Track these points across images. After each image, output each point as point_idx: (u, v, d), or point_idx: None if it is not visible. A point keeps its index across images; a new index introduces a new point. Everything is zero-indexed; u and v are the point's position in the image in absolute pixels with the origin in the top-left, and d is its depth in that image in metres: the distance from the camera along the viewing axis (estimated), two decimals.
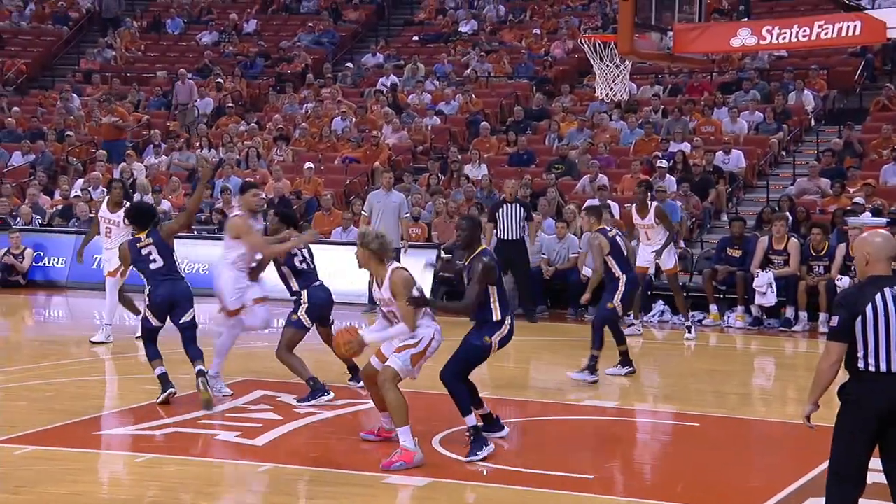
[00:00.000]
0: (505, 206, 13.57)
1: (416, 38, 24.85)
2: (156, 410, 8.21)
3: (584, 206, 12.69)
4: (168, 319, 8.53)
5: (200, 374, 8.23)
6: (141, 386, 9.17)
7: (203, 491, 6.27)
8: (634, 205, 12.24)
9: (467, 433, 6.90)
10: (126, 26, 26.12)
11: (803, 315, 13.10)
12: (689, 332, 12.34)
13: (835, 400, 5.00)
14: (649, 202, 12.01)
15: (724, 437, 7.84)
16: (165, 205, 17.42)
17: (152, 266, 8.49)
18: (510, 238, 13.48)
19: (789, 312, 13.22)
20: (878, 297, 4.81)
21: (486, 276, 6.93)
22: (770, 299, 13.06)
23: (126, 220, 9.80)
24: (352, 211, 16.18)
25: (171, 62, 24.85)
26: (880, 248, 4.91)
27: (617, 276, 9.71)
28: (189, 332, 8.48)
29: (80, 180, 18.61)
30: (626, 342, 9.91)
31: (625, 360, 9.91)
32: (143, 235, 8.63)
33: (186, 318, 8.49)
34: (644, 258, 12.22)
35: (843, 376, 4.98)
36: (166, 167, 19.35)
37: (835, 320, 4.90)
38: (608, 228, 9.96)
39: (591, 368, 9.49)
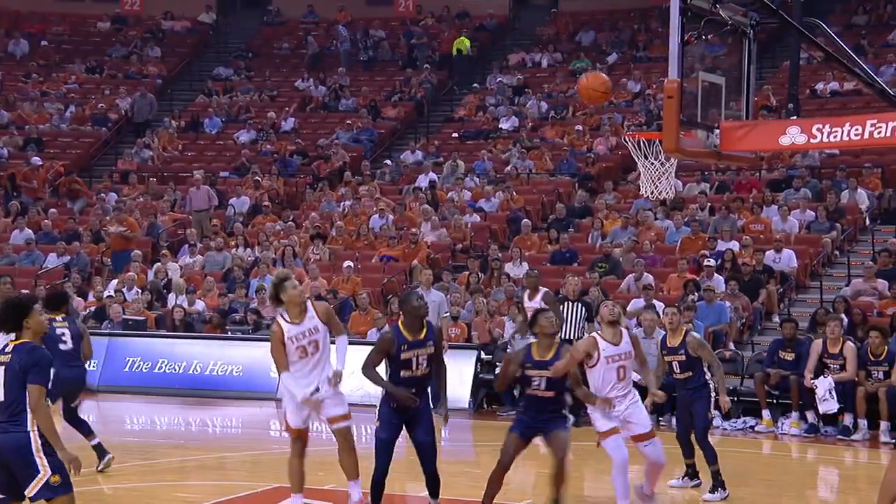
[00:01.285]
0: (567, 304, 13.49)
1: (455, 134, 25.21)
2: None
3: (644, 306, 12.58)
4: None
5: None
6: (175, 493, 9.14)
7: None
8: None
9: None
10: (164, 126, 26.78)
11: (863, 423, 12.83)
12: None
13: None
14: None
15: None
16: (199, 305, 17.60)
17: (62, 347, 9.19)
18: (569, 338, 13.14)
19: (847, 420, 12.95)
20: None
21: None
22: (832, 406, 12.78)
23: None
24: (389, 310, 16.24)
25: (209, 161, 25.36)
26: None
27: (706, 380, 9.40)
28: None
29: (115, 281, 18.86)
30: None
31: (693, 472, 9.69)
32: (58, 317, 9.24)
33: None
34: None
35: None
36: (200, 267, 19.60)
37: None
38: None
39: (720, 485, 9.25)
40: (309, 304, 8.06)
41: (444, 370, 7.99)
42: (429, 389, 8.15)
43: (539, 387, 7.80)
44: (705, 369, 9.37)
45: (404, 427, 7.84)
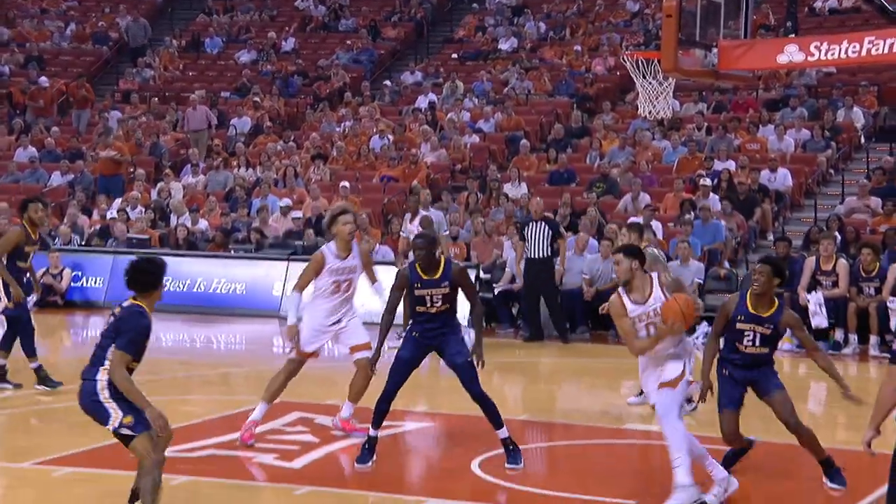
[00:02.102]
0: (532, 224, 13.56)
1: (455, 55, 24.93)
2: (192, 432, 8.25)
3: (627, 223, 12.60)
4: None
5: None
6: (179, 408, 9.22)
7: None
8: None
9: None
10: (165, 46, 26.46)
11: (853, 338, 12.91)
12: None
13: (893, 426, 4.90)
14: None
15: (771, 464, 7.72)
16: (202, 224, 17.58)
17: None
18: (537, 257, 13.47)
19: (839, 335, 13.04)
20: None
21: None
22: (822, 321, 12.87)
23: None
24: (389, 230, 16.23)
25: (210, 81, 25.12)
26: None
27: None
28: None
29: (118, 200, 18.81)
30: None
31: None
32: None
33: None
34: None
35: None
36: (203, 186, 19.53)
37: None
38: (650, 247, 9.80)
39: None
40: (354, 244, 8.06)
41: (477, 311, 7.42)
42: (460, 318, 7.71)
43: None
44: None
45: (440, 358, 7.55)
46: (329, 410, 8.91)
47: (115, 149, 20.04)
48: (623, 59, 9.40)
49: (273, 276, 16.15)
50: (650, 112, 9.40)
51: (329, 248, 7.96)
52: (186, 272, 16.29)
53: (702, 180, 16.44)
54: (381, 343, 7.45)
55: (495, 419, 7.26)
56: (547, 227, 13.53)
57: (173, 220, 17.88)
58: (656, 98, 9.27)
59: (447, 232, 14.90)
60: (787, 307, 7.13)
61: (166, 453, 7.43)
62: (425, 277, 7.33)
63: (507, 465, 7.18)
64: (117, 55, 26.69)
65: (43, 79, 23.87)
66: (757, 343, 6.88)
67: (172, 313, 15.59)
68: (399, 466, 7.50)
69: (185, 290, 16.19)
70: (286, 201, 17.76)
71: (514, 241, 14.39)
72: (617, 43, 22.95)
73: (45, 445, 7.74)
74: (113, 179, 19.69)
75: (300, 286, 8.03)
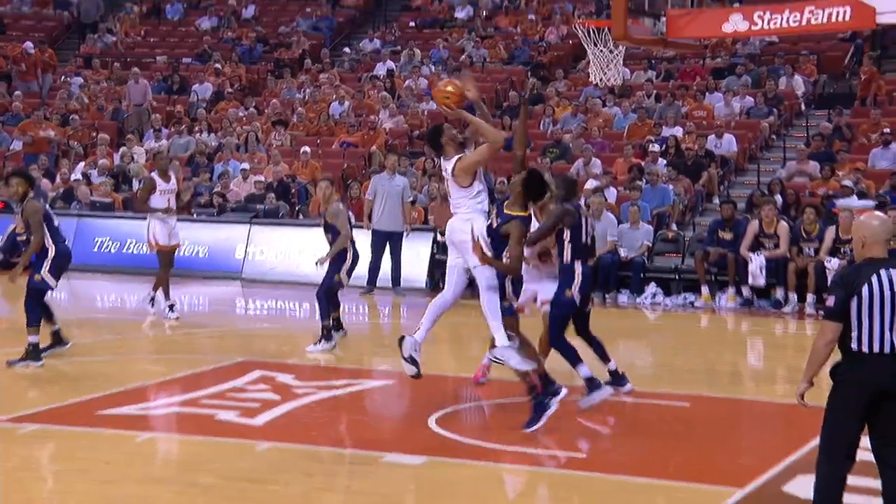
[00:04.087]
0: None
1: (412, 23, 24.74)
2: (157, 391, 8.20)
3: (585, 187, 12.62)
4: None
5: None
6: (144, 367, 9.16)
7: (203, 468, 6.26)
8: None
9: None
10: (126, 11, 25.98)
11: (793, 296, 13.13)
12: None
13: (826, 380, 5.00)
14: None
15: (714, 417, 7.84)
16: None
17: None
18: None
19: (779, 294, 13.25)
20: (874, 279, 4.81)
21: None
22: (761, 281, 13.10)
23: None
24: (349, 195, 16.15)
25: (171, 47, 24.73)
26: (877, 231, 4.91)
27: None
28: None
29: (82, 164, 18.53)
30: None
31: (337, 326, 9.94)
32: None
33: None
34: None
35: (836, 357, 4.96)
36: (166, 151, 19.26)
37: (831, 300, 4.89)
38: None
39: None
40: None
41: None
42: None
43: None
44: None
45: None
46: (290, 369, 8.90)
47: (53, 129, 19.58)
48: (575, 27, 9.38)
49: (235, 239, 16.05)
50: (601, 79, 9.41)
51: None
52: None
53: (651, 146, 16.54)
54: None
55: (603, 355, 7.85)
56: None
57: (135, 184, 17.65)
58: (607, 66, 9.27)
59: (410, 197, 14.89)
60: None
61: (132, 410, 7.38)
62: None
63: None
64: (79, 20, 26.16)
65: (28, 44, 23.26)
66: None
67: (136, 275, 15.46)
68: (358, 423, 7.51)
69: (148, 251, 16.02)
70: (247, 166, 17.60)
71: None
72: (569, 11, 22.89)
73: (11, 403, 7.65)
74: (35, 157, 18.67)
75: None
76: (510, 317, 7.23)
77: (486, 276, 7.02)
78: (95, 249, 16.34)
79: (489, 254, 6.98)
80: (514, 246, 6.96)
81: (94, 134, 19.91)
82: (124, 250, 16.24)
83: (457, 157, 7.23)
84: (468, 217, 7.12)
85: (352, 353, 10.21)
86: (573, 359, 7.53)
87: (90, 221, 16.60)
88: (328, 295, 9.79)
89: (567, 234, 7.58)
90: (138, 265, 15.91)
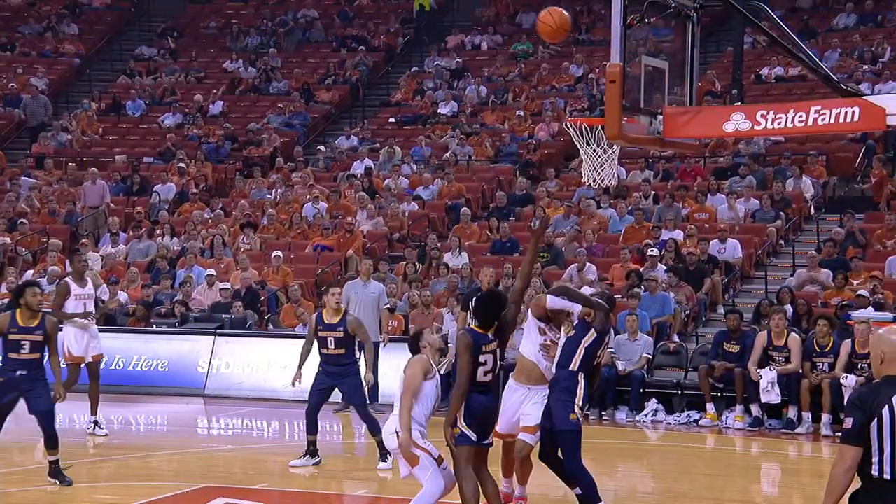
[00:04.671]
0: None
1: (392, 119, 25.19)
2: None
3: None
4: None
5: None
6: (94, 496, 9.02)
7: None
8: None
9: None
10: (83, 108, 26.35)
11: (807, 416, 13.09)
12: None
13: None
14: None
15: None
16: (122, 296, 17.40)
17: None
18: None
19: (792, 413, 13.21)
20: (894, 399, 4.78)
21: None
22: (774, 398, 13.05)
23: None
24: (323, 303, 16.18)
25: (131, 145, 25.04)
26: None
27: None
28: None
29: (30, 272, 18.54)
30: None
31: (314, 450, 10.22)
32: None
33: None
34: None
35: (857, 484, 4.94)
36: (124, 257, 19.36)
37: (848, 422, 4.83)
38: None
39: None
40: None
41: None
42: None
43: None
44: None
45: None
46: (256, 496, 8.80)
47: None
48: (566, 125, 9.59)
49: (198, 351, 16.00)
50: (595, 180, 9.56)
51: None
52: (104, 348, 15.99)
53: (649, 250, 16.70)
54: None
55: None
56: None
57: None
58: (601, 165, 9.43)
59: (388, 304, 14.94)
60: None
61: None
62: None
63: None
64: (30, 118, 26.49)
65: None
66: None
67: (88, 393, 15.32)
68: None
69: (102, 367, 15.94)
70: (213, 272, 17.67)
71: (456, 312, 14.44)
72: (560, 108, 23.37)
73: None
74: None
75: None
76: (480, 447, 7.25)
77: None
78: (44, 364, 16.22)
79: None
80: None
81: (45, 239, 20.00)
82: None
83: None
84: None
85: (326, 476, 10.12)
86: (591, 491, 7.51)
87: None
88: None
89: (588, 339, 7.65)
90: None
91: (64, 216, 21.17)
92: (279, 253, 18.19)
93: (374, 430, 9.89)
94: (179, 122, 25.58)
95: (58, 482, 9.10)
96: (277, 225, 20.00)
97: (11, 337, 9.10)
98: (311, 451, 10.16)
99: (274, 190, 21.58)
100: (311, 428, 10.15)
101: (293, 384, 10.43)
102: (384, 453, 9.81)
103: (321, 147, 24.28)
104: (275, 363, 15.01)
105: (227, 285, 17.36)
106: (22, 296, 9.25)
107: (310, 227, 19.76)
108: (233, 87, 27.30)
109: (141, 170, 22.97)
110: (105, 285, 17.55)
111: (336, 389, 10.50)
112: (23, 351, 9.11)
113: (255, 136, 24.43)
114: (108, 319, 16.79)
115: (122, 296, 17.40)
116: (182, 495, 8.92)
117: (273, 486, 9.51)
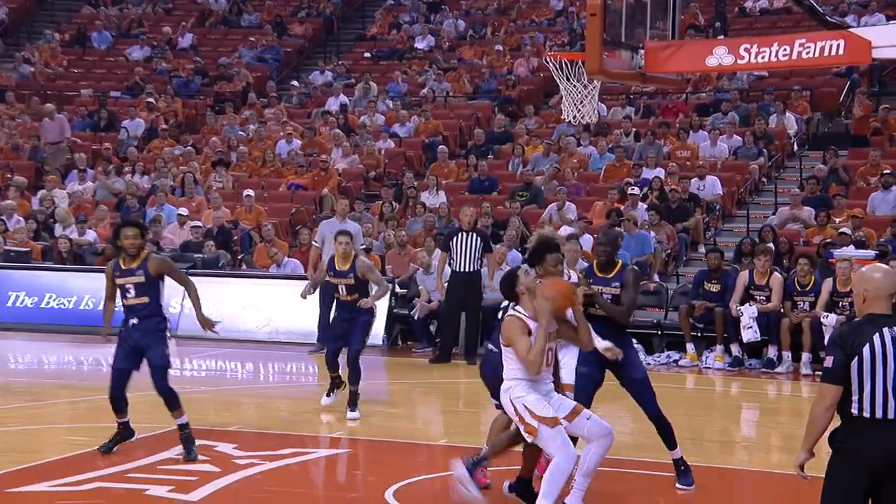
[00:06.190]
0: (460, 235, 13.60)
1: (367, 54, 24.96)
2: (79, 464, 8.10)
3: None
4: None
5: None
6: (63, 437, 9.05)
7: None
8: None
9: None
10: (46, 39, 25.96)
11: (787, 355, 13.23)
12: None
13: (827, 448, 5.01)
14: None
15: (701, 489, 7.88)
16: (91, 235, 17.30)
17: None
18: (464, 270, 13.48)
19: (772, 352, 13.34)
20: (876, 338, 4.80)
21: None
22: (754, 335, 13.16)
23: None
24: (298, 242, 16.17)
25: (97, 79, 24.74)
26: (880, 285, 4.88)
27: None
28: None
29: None
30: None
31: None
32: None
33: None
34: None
35: (836, 422, 4.99)
36: (92, 194, 19.20)
37: (829, 360, 4.87)
38: None
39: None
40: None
41: None
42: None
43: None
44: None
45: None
46: (231, 438, 8.83)
47: None
48: (546, 60, 9.51)
49: (169, 291, 15.90)
50: (575, 117, 9.52)
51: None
52: (73, 288, 15.99)
53: (630, 189, 16.71)
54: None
55: (669, 440, 7.82)
56: (478, 239, 13.58)
57: (57, 230, 17.55)
58: (581, 102, 9.39)
59: (364, 244, 14.91)
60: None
61: (49, 487, 7.30)
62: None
63: (677, 485, 7.66)
64: None
65: None
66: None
67: (58, 333, 15.30)
68: (307, 497, 7.46)
69: (71, 307, 15.90)
70: (184, 210, 17.57)
71: (429, 249, 14.45)
72: (540, 43, 23.22)
73: None
74: None
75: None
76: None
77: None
78: (10, 304, 16.18)
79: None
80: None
81: (9, 175, 19.81)
82: (42, 305, 16.08)
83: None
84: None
85: (300, 418, 10.17)
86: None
87: (4, 273, 16.45)
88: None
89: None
90: (58, 322, 15.78)
91: (29, 151, 20.95)
92: (251, 191, 18.10)
93: (354, 380, 9.87)
94: (147, 55, 25.27)
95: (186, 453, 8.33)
96: (250, 163, 19.89)
97: (118, 281, 8.65)
98: (336, 384, 10.19)
99: (246, 126, 21.44)
100: (332, 366, 10.11)
101: (303, 297, 10.64)
102: (354, 403, 9.81)
103: (294, 83, 24.08)
104: (248, 304, 14.99)
105: (199, 224, 17.28)
106: (118, 238, 8.68)
107: (283, 165, 19.66)
108: (202, 19, 26.96)
109: (108, 105, 22.73)
110: (73, 223, 17.48)
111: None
112: (129, 295, 8.78)
113: (227, 71, 24.18)
114: (77, 258, 16.73)
115: (91, 234, 17.29)
116: (155, 437, 8.94)
117: (247, 428, 9.54)
